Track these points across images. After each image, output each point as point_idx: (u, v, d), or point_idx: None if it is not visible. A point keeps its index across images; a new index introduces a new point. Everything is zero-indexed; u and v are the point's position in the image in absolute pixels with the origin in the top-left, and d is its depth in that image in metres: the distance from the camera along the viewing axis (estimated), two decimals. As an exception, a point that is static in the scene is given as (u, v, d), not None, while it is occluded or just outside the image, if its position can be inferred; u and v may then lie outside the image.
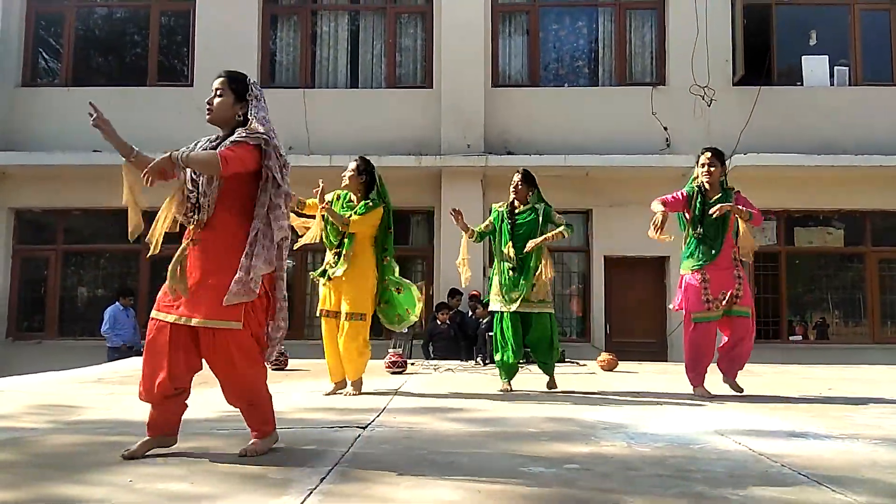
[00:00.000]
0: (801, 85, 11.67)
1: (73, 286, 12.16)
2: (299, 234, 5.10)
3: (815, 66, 11.64)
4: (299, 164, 10.56)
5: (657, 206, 5.04)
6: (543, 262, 5.34)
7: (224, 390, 3.00)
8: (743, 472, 2.81)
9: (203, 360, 2.94)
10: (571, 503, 2.40)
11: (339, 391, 5.11)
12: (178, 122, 10.06)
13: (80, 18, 12.57)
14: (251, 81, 3.07)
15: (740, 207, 5.01)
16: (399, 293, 5.10)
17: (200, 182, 2.91)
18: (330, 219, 4.98)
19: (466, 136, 11.25)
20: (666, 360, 10.24)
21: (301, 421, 3.95)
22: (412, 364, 7.68)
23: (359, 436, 3.45)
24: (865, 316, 11.56)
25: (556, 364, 5.56)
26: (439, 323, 9.90)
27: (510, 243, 5.37)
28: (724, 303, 5.06)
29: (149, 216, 2.96)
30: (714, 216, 4.98)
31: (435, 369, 7.33)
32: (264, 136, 2.93)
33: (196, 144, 3.03)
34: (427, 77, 11.89)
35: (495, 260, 5.53)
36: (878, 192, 11.18)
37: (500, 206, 5.62)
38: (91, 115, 2.86)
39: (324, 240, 5.11)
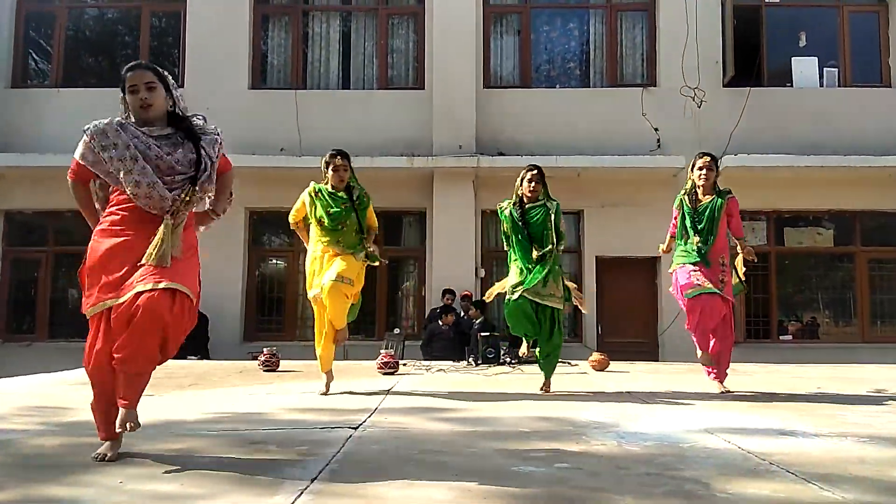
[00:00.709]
0: (791, 86, 11.75)
1: (64, 288, 12.10)
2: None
3: (804, 68, 11.72)
4: (291, 166, 10.67)
5: (668, 238, 5.62)
6: (575, 298, 5.48)
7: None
8: (731, 470, 2.83)
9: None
10: (561, 502, 2.41)
11: (331, 387, 5.17)
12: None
13: (70, 19, 12.54)
14: (163, 70, 3.07)
15: (751, 249, 5.48)
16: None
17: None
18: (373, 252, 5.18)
19: (458, 137, 11.27)
20: (657, 360, 10.28)
21: (292, 421, 3.95)
22: (404, 365, 7.68)
23: (350, 436, 3.45)
24: (855, 315, 11.64)
25: (554, 368, 5.52)
26: (441, 324, 9.92)
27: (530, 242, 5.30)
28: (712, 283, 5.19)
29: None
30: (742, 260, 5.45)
31: (427, 370, 7.33)
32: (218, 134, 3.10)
33: (129, 142, 2.89)
34: (419, 78, 11.91)
35: (512, 259, 5.43)
36: (868, 193, 11.28)
37: (506, 207, 5.44)
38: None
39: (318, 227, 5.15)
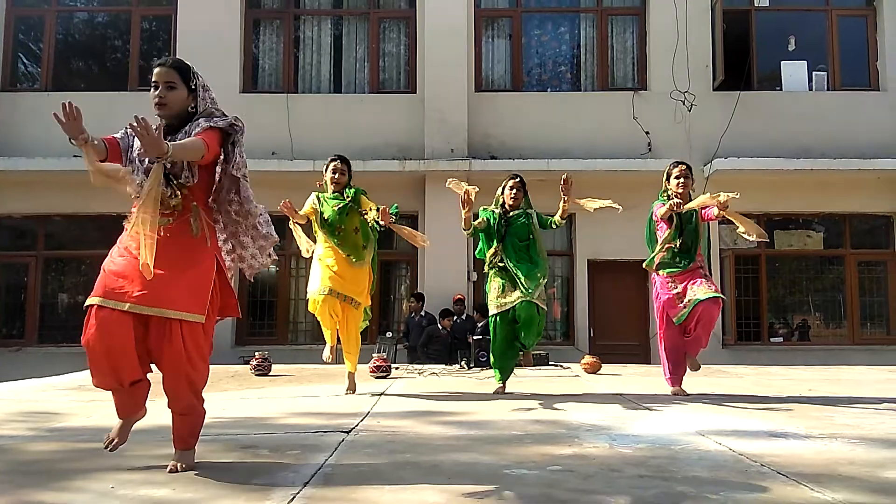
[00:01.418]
0: (780, 90, 11.82)
1: (53, 293, 12.04)
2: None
3: (793, 72, 11.80)
4: (283, 170, 10.66)
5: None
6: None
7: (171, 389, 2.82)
8: (723, 472, 2.84)
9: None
10: (554, 504, 2.42)
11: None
12: (160, 127, 10.00)
13: (60, 23, 12.48)
14: (194, 70, 2.93)
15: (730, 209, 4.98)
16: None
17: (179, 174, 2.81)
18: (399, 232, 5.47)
19: (450, 140, 11.29)
20: (649, 363, 10.30)
21: (284, 426, 3.95)
22: (396, 368, 7.69)
23: (343, 440, 3.45)
24: (845, 317, 11.71)
25: (534, 353, 5.66)
26: (440, 328, 9.95)
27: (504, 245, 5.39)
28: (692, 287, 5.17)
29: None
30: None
31: (419, 373, 7.33)
32: (233, 122, 2.89)
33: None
34: (410, 82, 11.92)
35: (489, 265, 5.49)
36: (857, 195, 11.36)
37: (491, 211, 5.56)
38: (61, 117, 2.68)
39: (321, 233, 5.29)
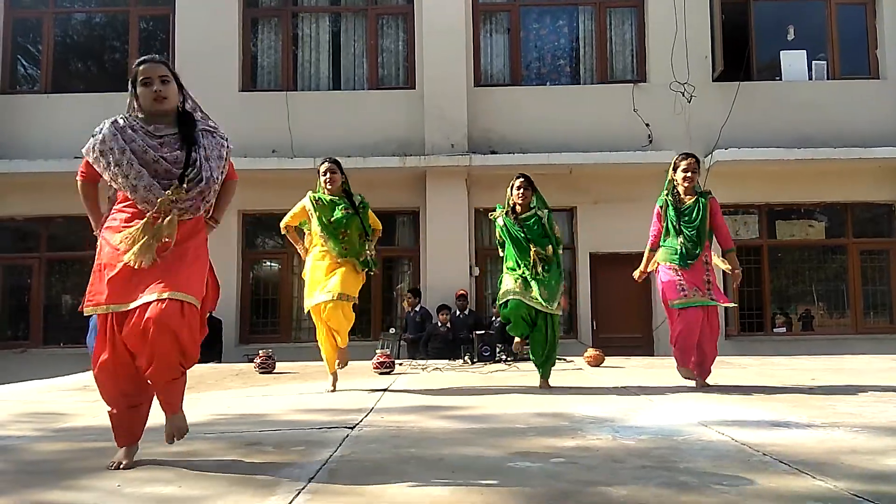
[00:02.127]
0: (780, 80, 11.80)
1: (57, 294, 12.08)
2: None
3: (793, 61, 11.77)
4: (283, 168, 10.67)
5: (647, 251, 5.46)
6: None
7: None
8: (725, 461, 2.86)
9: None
10: (557, 496, 2.43)
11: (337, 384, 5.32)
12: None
13: (58, 25, 12.48)
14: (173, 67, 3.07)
15: (738, 273, 5.42)
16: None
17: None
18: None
19: (450, 136, 11.28)
20: (652, 355, 10.33)
21: (289, 422, 3.96)
22: (400, 364, 7.70)
23: (347, 436, 3.46)
24: (848, 307, 11.70)
25: (551, 366, 5.57)
26: (439, 325, 9.98)
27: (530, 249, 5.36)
28: (699, 292, 5.15)
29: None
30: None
31: (423, 369, 7.34)
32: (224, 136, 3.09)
33: (119, 140, 2.83)
34: (409, 78, 11.91)
35: (508, 266, 5.47)
36: (858, 184, 11.34)
37: (499, 217, 5.52)
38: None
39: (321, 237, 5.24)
